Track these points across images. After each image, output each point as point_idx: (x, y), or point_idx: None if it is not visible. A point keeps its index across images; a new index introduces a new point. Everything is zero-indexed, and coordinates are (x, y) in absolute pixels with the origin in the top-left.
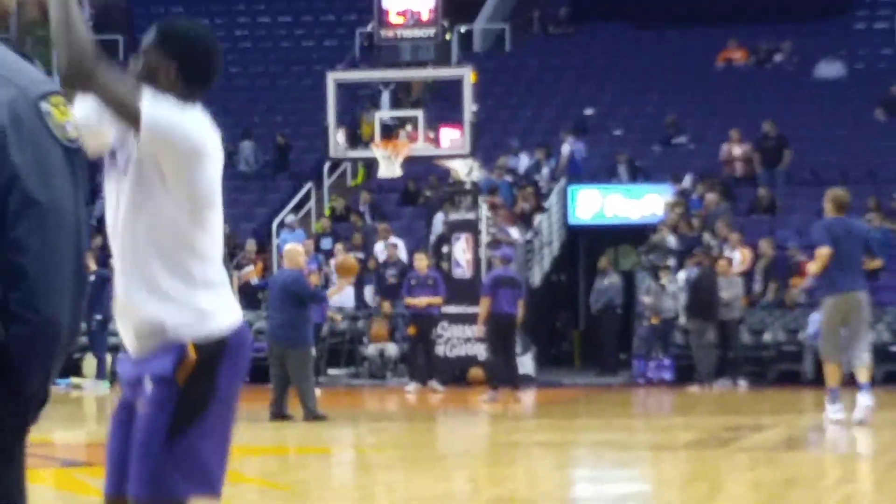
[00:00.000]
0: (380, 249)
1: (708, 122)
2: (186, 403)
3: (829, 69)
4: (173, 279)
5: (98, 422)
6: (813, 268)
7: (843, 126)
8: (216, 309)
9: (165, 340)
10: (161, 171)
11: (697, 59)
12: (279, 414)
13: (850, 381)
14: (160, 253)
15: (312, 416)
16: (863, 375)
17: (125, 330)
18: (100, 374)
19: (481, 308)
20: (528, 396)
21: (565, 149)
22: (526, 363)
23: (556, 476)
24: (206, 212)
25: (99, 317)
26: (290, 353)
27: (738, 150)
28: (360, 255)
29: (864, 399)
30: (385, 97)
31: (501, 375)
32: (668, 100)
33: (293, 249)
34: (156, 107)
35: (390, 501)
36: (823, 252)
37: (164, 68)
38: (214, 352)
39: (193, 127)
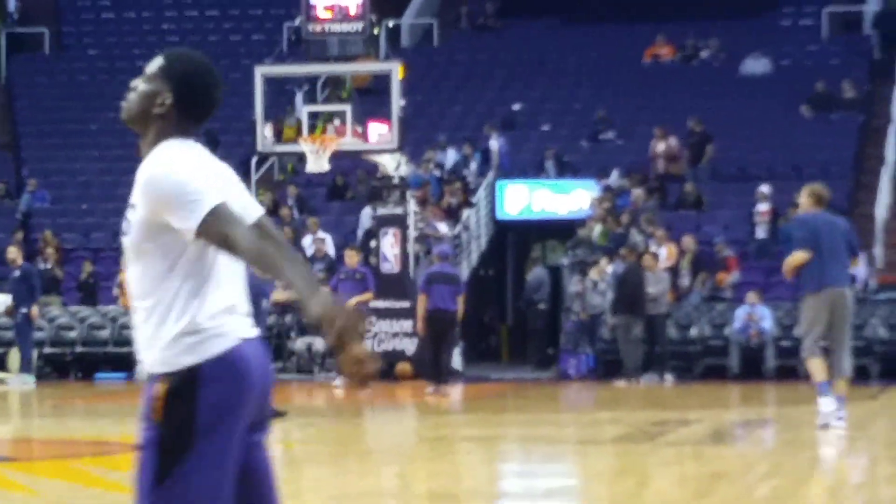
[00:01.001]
0: (307, 244)
1: (635, 118)
2: (167, 442)
3: (756, 66)
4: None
5: (22, 417)
6: (788, 269)
7: (770, 122)
8: (200, 339)
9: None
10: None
11: (625, 56)
12: None
13: (806, 377)
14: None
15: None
16: (841, 387)
17: None
18: (25, 368)
19: (418, 305)
20: (455, 391)
21: (493, 145)
22: (453, 358)
23: (484, 471)
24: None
25: (24, 311)
26: None
27: (661, 147)
28: None
29: (838, 412)
30: (298, 96)
31: (434, 371)
32: (596, 95)
33: None
34: None
35: (318, 498)
36: (799, 256)
37: (161, 96)
38: (186, 383)
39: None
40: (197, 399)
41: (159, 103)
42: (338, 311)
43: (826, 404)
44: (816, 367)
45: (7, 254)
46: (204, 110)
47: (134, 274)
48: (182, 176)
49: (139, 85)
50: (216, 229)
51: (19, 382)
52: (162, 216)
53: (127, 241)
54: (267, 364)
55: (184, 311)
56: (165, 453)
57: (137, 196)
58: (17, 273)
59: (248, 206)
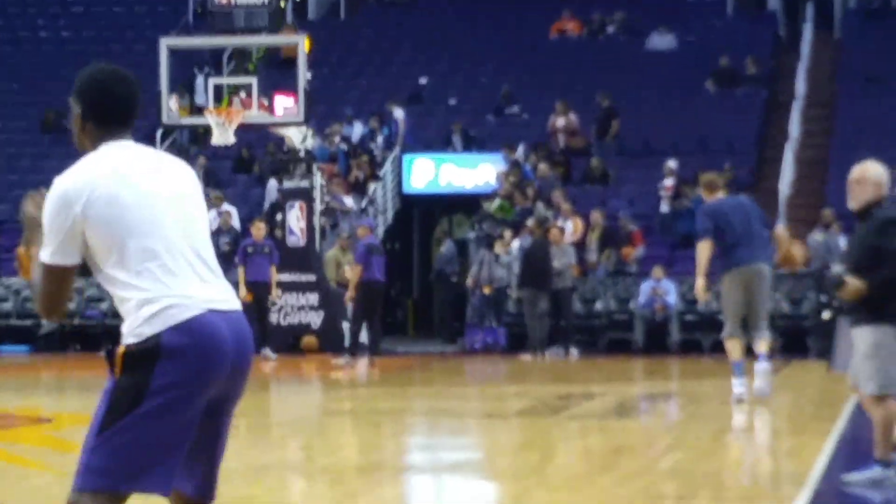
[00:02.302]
0: (212, 217)
1: (541, 93)
2: (119, 396)
3: (661, 41)
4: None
5: None
6: (701, 262)
7: (675, 97)
8: (154, 311)
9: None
10: None
11: (531, 31)
12: None
13: (710, 351)
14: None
15: None
16: (762, 346)
17: None
18: None
19: (353, 275)
20: (361, 365)
21: (396, 117)
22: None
23: (390, 444)
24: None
25: None
26: None
27: (562, 122)
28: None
29: (763, 368)
30: (199, 79)
31: (354, 342)
32: (503, 70)
33: None
34: None
35: (223, 470)
36: (703, 246)
37: (77, 115)
38: (148, 349)
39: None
40: (155, 363)
41: (75, 121)
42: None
43: (738, 385)
44: (733, 347)
45: None
46: (116, 112)
47: None
48: (50, 215)
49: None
50: (43, 279)
51: None
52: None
53: None
54: (242, 337)
55: (136, 288)
56: (114, 404)
57: None
58: None
59: (163, 193)
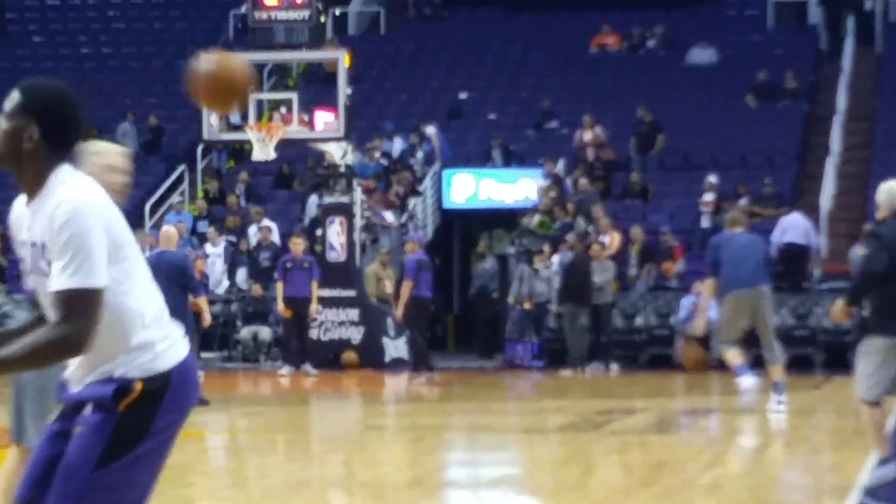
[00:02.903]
0: (253, 232)
1: (581, 107)
2: (122, 433)
3: (701, 55)
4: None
5: None
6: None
7: (715, 112)
8: (166, 346)
9: (114, 374)
10: None
11: (571, 45)
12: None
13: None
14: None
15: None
16: (776, 374)
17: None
18: None
19: (403, 291)
20: (401, 380)
21: (430, 134)
22: (400, 347)
23: (429, 460)
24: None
25: None
26: None
27: (589, 136)
28: (233, 238)
29: (777, 397)
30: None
31: (424, 358)
32: (542, 85)
33: (170, 231)
34: None
35: (263, 486)
36: (708, 283)
37: (27, 131)
38: (158, 386)
39: None
40: (161, 402)
41: (27, 139)
42: None
43: (746, 380)
44: (732, 356)
45: None
46: (72, 137)
47: None
48: (91, 231)
49: (1, 124)
50: (73, 310)
51: None
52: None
53: (48, 280)
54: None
55: (137, 323)
56: (115, 442)
57: (47, 235)
58: None
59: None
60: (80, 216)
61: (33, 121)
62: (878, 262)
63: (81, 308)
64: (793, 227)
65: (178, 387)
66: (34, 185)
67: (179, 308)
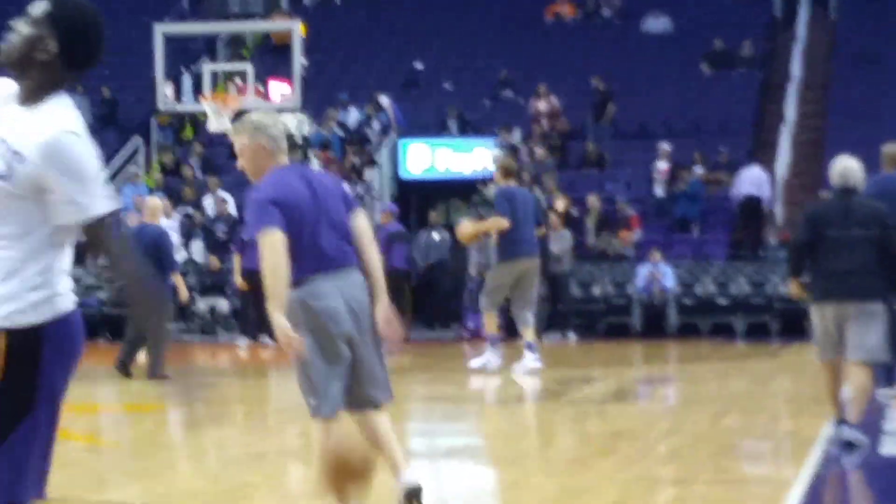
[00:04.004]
0: (209, 204)
1: (536, 76)
2: (7, 402)
3: (656, 24)
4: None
5: None
6: (473, 232)
7: (670, 80)
8: (45, 295)
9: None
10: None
11: (526, 13)
12: (125, 371)
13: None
14: None
15: (158, 375)
16: (529, 335)
17: None
18: None
19: None
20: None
21: (384, 104)
22: None
23: None
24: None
25: None
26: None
27: (544, 105)
28: (190, 211)
29: (532, 357)
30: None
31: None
32: (498, 54)
33: (155, 203)
34: None
35: (221, 458)
36: (498, 222)
37: (45, 42)
38: (29, 341)
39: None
40: (40, 360)
41: (42, 49)
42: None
43: (490, 355)
44: (492, 322)
45: None
46: (88, 61)
47: None
48: (88, 162)
49: (22, 28)
50: (99, 234)
51: None
52: (51, 185)
53: None
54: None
55: (39, 267)
56: (3, 414)
57: (33, 147)
58: None
59: None
60: (79, 147)
61: (55, 34)
62: (802, 234)
63: (105, 233)
64: (750, 179)
65: (57, 338)
66: (33, 96)
67: (160, 282)
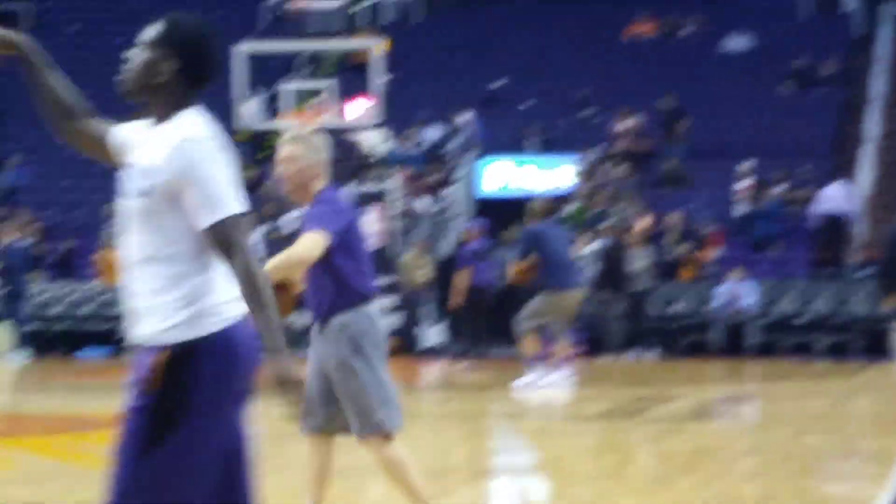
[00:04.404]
0: (289, 220)
1: (615, 95)
2: (161, 412)
3: (736, 43)
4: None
5: (3, 393)
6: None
7: (750, 99)
8: (201, 309)
9: (151, 342)
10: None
11: (606, 33)
12: None
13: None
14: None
15: None
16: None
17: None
18: (17, 343)
19: (459, 280)
20: (439, 367)
21: (465, 122)
22: (437, 334)
23: (466, 447)
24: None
25: (15, 287)
26: None
27: (626, 125)
28: (270, 226)
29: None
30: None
31: (470, 345)
32: (577, 73)
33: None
34: None
35: (303, 473)
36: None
37: (166, 64)
38: (185, 356)
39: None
40: (195, 373)
41: (162, 71)
42: (286, 376)
43: (537, 375)
44: (532, 343)
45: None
46: (208, 75)
47: (139, 238)
48: (215, 165)
49: (138, 54)
50: (227, 237)
51: (14, 357)
52: (183, 190)
53: (135, 203)
54: (257, 344)
55: (191, 283)
56: (157, 423)
57: (163, 159)
58: (7, 248)
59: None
60: (206, 151)
61: (173, 53)
62: (890, 252)
63: (236, 235)
64: (831, 197)
65: (214, 354)
66: (161, 117)
67: None
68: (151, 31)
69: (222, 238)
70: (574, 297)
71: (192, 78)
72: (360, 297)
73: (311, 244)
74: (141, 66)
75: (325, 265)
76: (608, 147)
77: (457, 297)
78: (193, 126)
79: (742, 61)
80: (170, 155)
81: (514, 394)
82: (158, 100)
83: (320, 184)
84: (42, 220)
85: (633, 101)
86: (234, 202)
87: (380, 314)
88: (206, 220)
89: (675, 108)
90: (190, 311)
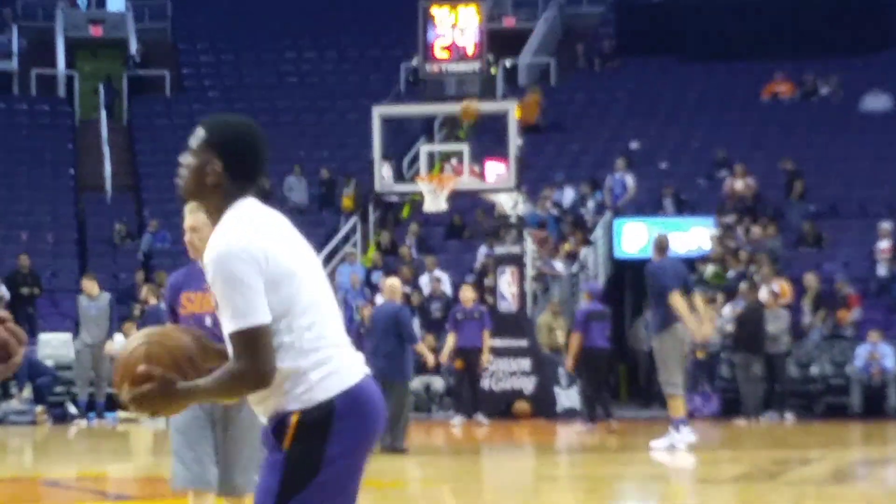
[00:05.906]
0: (425, 283)
1: (753, 155)
2: (293, 469)
3: (876, 102)
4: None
5: (143, 455)
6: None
7: (890, 159)
8: (323, 375)
9: (276, 410)
10: None
11: (743, 93)
12: (391, 447)
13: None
14: None
15: (396, 448)
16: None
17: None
18: None
19: (572, 342)
20: (573, 430)
21: (610, 180)
22: (571, 396)
23: None
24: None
25: None
26: (392, 386)
27: (739, 184)
28: (407, 290)
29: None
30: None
31: (590, 409)
32: (714, 133)
33: (394, 283)
34: None
35: None
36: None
37: (210, 166)
38: (319, 416)
39: None
40: (329, 431)
41: (210, 173)
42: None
43: (678, 435)
44: (679, 404)
45: (140, 293)
46: (255, 168)
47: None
48: (233, 277)
49: (187, 160)
50: (242, 349)
51: (152, 419)
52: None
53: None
54: (382, 401)
55: (288, 356)
56: (290, 478)
57: (209, 275)
58: (148, 311)
59: (305, 253)
60: (228, 261)
61: (216, 154)
62: None
63: (250, 347)
64: None
65: (347, 414)
66: (216, 216)
67: (396, 355)
68: (195, 138)
69: (236, 345)
70: (684, 331)
71: (238, 175)
72: None
73: None
74: (190, 171)
75: None
76: (742, 208)
77: (569, 361)
78: (228, 230)
79: (881, 120)
80: (210, 269)
81: (652, 455)
82: (212, 200)
83: None
84: None
85: (769, 161)
86: (256, 313)
87: None
88: (228, 329)
89: (793, 169)
90: (311, 379)
